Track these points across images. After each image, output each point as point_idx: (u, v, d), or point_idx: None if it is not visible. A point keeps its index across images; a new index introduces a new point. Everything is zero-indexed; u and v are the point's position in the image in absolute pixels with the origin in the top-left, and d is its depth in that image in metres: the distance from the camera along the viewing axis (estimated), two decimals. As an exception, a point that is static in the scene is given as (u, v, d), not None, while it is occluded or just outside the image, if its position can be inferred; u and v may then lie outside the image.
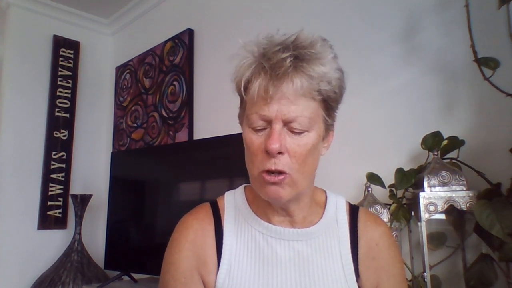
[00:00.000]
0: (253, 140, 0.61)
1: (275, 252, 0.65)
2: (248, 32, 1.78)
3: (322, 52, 0.59)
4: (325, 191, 0.75)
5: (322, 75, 0.58)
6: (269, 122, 0.59)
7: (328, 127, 0.65)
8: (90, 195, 2.27)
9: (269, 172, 0.59)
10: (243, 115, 0.65)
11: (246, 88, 0.61)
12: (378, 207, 1.10)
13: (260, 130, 0.60)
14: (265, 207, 0.68)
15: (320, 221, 0.69)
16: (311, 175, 0.65)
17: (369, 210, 1.10)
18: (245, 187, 0.75)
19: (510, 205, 0.87)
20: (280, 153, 0.58)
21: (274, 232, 0.66)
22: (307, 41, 0.60)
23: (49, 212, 2.34)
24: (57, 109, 2.45)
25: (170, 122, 2.17)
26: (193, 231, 0.68)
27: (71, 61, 2.55)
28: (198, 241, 0.67)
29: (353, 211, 0.72)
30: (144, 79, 2.42)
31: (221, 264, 0.65)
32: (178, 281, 0.65)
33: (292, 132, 0.59)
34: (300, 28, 0.63)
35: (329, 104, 0.62)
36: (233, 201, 0.73)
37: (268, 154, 0.58)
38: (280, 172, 0.58)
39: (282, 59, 0.57)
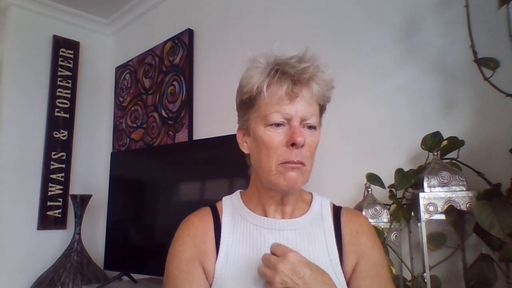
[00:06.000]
0: (273, 136, 0.69)
1: (267, 241, 0.73)
2: (248, 32, 1.78)
3: (324, 65, 0.72)
4: (311, 193, 0.84)
5: (329, 82, 0.72)
6: (288, 120, 0.69)
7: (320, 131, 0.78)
8: (90, 195, 2.27)
9: (290, 163, 0.68)
10: (252, 118, 0.74)
11: (266, 90, 0.70)
12: (378, 208, 1.10)
13: (278, 128, 0.69)
14: (264, 200, 0.76)
15: (306, 214, 0.78)
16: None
17: (368, 210, 1.10)
18: (240, 191, 0.84)
19: (510, 206, 0.87)
20: (302, 145, 0.68)
21: (266, 223, 0.75)
22: (313, 56, 0.71)
23: (49, 212, 2.34)
24: (57, 109, 2.45)
25: (170, 122, 2.16)
26: (194, 227, 0.77)
27: (71, 61, 2.55)
28: (199, 234, 0.75)
29: (336, 209, 0.81)
30: (144, 79, 2.42)
31: (219, 253, 0.73)
32: (181, 269, 0.72)
33: (306, 129, 0.70)
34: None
35: (322, 110, 0.77)
36: (230, 202, 0.82)
37: (292, 146, 0.68)
38: (300, 163, 0.68)
39: (306, 67, 0.69)
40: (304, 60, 0.70)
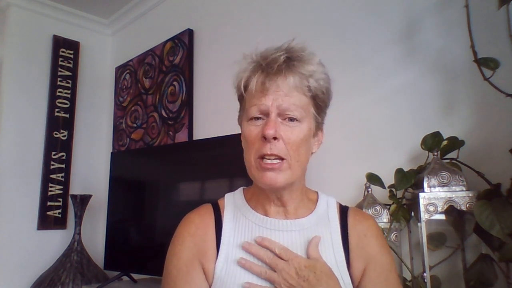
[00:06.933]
0: (251, 130, 0.69)
1: None
2: (248, 32, 1.78)
3: (310, 55, 0.70)
4: (317, 192, 0.81)
5: (311, 73, 0.68)
6: (266, 114, 0.68)
7: (318, 126, 0.74)
8: (90, 195, 2.27)
9: (266, 157, 0.66)
10: (242, 114, 0.74)
11: (246, 86, 0.70)
12: (378, 208, 1.10)
13: (257, 121, 0.68)
14: (263, 200, 0.74)
15: (312, 214, 0.75)
16: (304, 165, 0.72)
17: (368, 210, 1.10)
18: (243, 188, 0.82)
19: (510, 206, 0.87)
20: (275, 138, 0.66)
21: (269, 224, 0.73)
22: (298, 46, 0.70)
23: (49, 212, 2.34)
24: (57, 109, 2.45)
25: (170, 122, 2.16)
26: (195, 225, 0.75)
27: (71, 61, 2.55)
28: (199, 233, 0.74)
29: (343, 209, 0.79)
30: (144, 79, 2.42)
31: (219, 253, 0.71)
32: (180, 270, 0.71)
33: (286, 122, 0.68)
34: (296, 31, 0.67)
35: (318, 103, 0.71)
36: (232, 200, 0.80)
37: (265, 140, 0.66)
38: (276, 157, 0.66)
39: (277, 57, 0.67)
40: (281, 50, 0.68)
